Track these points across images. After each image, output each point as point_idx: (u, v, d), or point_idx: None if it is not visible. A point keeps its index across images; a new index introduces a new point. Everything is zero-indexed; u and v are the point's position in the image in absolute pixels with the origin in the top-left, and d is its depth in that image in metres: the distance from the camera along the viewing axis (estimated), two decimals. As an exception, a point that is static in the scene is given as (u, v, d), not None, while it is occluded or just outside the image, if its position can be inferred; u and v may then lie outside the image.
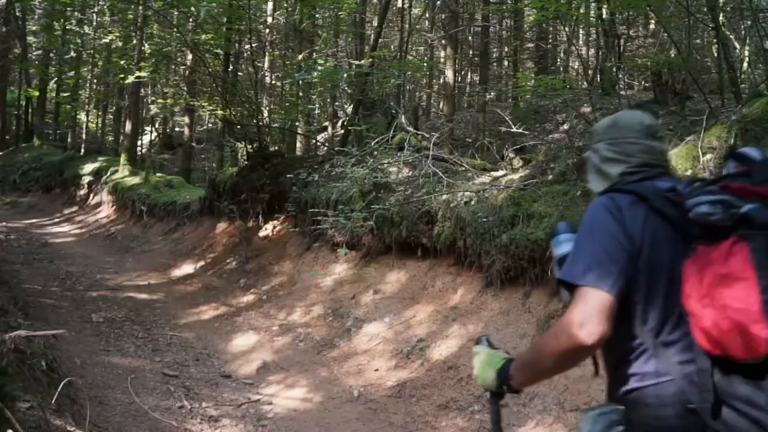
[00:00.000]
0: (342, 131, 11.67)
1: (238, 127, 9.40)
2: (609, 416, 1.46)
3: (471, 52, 17.91)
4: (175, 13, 10.99)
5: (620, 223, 1.44)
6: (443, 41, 11.92)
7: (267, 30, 12.95)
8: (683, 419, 1.34)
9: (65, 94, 19.15)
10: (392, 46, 15.91)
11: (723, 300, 1.27)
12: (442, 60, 13.16)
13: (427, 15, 17.15)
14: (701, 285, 1.31)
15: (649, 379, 1.40)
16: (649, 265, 1.41)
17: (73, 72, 18.66)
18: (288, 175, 7.57)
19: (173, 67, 16.78)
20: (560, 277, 1.48)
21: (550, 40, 17.32)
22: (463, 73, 18.63)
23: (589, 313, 1.36)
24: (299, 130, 12.40)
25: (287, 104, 12.52)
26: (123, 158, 13.32)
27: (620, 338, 1.43)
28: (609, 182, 1.63)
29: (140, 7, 11.50)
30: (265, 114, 10.97)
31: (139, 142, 16.79)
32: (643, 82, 12.81)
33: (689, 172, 4.24)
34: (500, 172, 6.28)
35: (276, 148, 9.78)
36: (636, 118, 1.69)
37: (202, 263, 8.16)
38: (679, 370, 1.36)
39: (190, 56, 12.58)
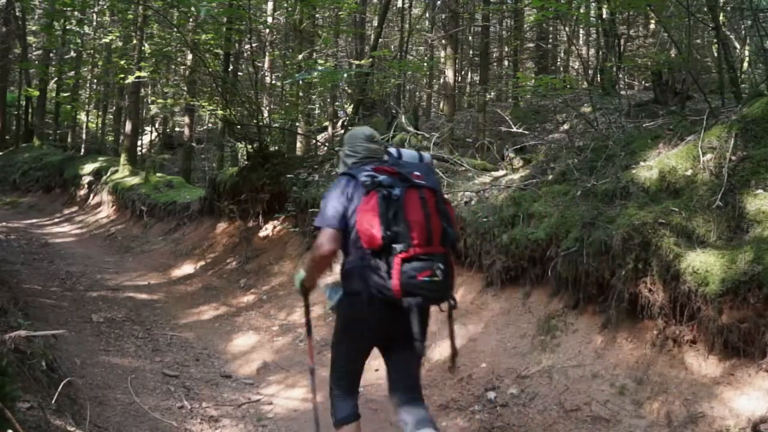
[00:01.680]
0: (342, 131, 11.67)
1: (238, 127, 9.40)
2: (337, 288, 2.85)
3: (471, 52, 17.92)
4: (175, 13, 10.99)
5: (341, 191, 2.76)
6: (443, 41, 11.92)
7: (267, 30, 12.95)
8: (359, 278, 2.68)
9: (65, 94, 19.16)
10: (392, 46, 15.91)
11: (365, 221, 2.58)
12: (442, 60, 13.16)
13: (427, 15, 17.14)
14: (360, 215, 2.62)
15: (350, 265, 2.76)
16: (353, 210, 2.70)
17: (73, 72, 18.66)
18: (288, 175, 7.57)
19: (173, 67, 16.79)
20: (315, 224, 2.85)
21: (550, 40, 17.33)
22: (463, 73, 18.63)
23: (323, 239, 2.73)
24: (299, 130, 12.40)
25: (287, 104, 12.52)
26: (123, 158, 13.32)
27: (343, 246, 2.78)
28: (346, 168, 2.91)
29: (140, 7, 11.49)
30: (265, 114, 10.97)
31: (139, 142, 16.79)
32: (643, 82, 12.81)
33: (689, 172, 4.24)
34: (500, 172, 6.28)
35: (276, 148, 9.77)
36: (362, 131, 3.03)
37: (202, 263, 8.16)
38: (360, 259, 2.70)
39: (190, 56, 12.58)
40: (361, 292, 2.68)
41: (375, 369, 4.72)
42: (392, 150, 2.89)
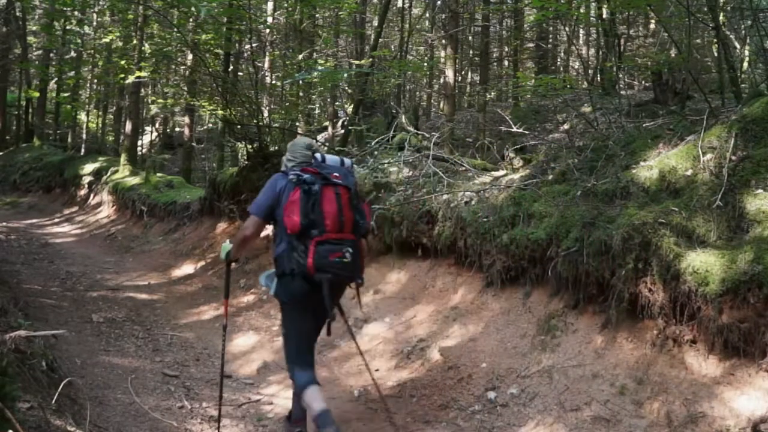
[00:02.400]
0: (342, 131, 11.67)
1: (238, 127, 9.40)
2: (272, 273, 3.43)
3: (471, 52, 17.92)
4: (175, 13, 10.99)
5: (273, 185, 3.39)
6: (443, 41, 11.92)
7: (267, 30, 12.95)
8: (286, 259, 3.29)
9: (65, 95, 19.15)
10: (392, 46, 15.91)
11: (290, 210, 3.20)
12: (442, 60, 13.16)
13: (427, 15, 17.14)
14: (286, 205, 3.24)
15: (280, 249, 3.34)
16: (282, 203, 3.29)
17: (73, 72, 18.65)
18: (288, 175, 7.57)
19: (173, 67, 16.78)
20: (248, 210, 3.46)
21: (550, 40, 17.33)
22: (463, 72, 18.63)
23: (249, 223, 3.41)
24: (299, 130, 12.40)
25: (287, 104, 12.52)
26: (123, 158, 13.32)
27: (276, 234, 3.42)
28: (286, 169, 3.49)
29: (140, 7, 11.49)
30: (266, 114, 10.97)
31: (139, 142, 16.79)
32: (643, 82, 12.81)
33: (689, 172, 4.24)
34: (500, 172, 6.28)
35: (276, 148, 9.76)
36: (303, 141, 3.60)
37: (202, 263, 8.16)
38: (287, 243, 3.30)
39: (190, 56, 12.58)
40: (287, 270, 3.28)
41: (375, 369, 4.73)
42: (317, 155, 3.50)
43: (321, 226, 3.19)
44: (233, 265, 3.78)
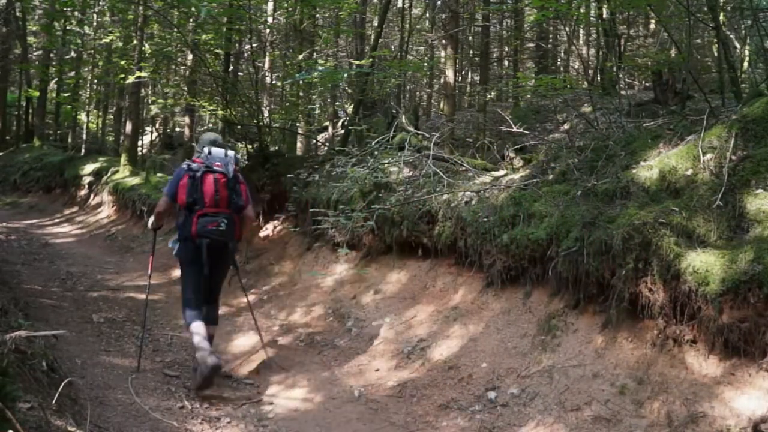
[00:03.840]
0: (342, 131, 11.66)
1: (239, 127, 9.39)
2: (175, 237, 4.62)
3: (471, 52, 17.91)
4: (176, 13, 10.98)
5: (179, 174, 4.52)
6: (443, 41, 11.92)
7: (267, 30, 12.95)
8: (181, 228, 4.56)
9: (65, 95, 19.13)
10: (392, 46, 15.91)
11: (181, 192, 4.50)
12: (442, 60, 13.16)
13: (427, 15, 17.15)
14: (179, 188, 4.48)
15: (179, 220, 4.58)
16: (180, 186, 4.50)
17: (73, 72, 18.63)
18: (288, 175, 7.57)
19: (173, 67, 16.77)
20: (163, 190, 4.74)
21: (551, 40, 17.33)
22: (463, 72, 18.63)
23: (161, 202, 4.69)
24: (299, 130, 12.40)
25: (287, 104, 12.51)
26: (123, 158, 13.30)
27: (179, 210, 4.58)
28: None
29: (140, 7, 11.49)
30: (266, 114, 10.97)
31: (139, 142, 16.78)
32: (643, 82, 12.81)
33: (689, 172, 4.24)
34: (501, 172, 6.28)
35: (276, 148, 9.76)
36: (209, 136, 4.82)
37: (202, 263, 8.13)
38: (182, 216, 4.55)
39: (190, 56, 12.57)
40: (182, 236, 4.46)
41: (375, 369, 4.73)
42: (206, 149, 4.58)
43: (201, 203, 4.38)
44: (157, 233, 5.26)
